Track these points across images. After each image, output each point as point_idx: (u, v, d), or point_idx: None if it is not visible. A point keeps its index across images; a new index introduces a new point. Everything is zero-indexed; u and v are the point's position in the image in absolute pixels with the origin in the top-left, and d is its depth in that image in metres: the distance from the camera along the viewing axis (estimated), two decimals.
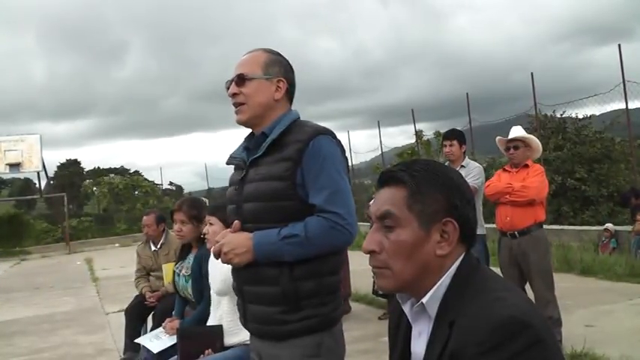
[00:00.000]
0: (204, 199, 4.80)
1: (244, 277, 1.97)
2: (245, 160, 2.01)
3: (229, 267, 2.02)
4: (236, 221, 1.97)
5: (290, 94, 2.06)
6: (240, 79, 1.98)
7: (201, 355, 2.94)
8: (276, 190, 1.89)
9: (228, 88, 2.01)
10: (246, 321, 2.02)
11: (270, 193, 1.90)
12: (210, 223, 2.86)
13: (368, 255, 1.23)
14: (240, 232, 1.95)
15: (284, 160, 1.90)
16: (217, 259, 1.99)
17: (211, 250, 2.04)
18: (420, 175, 1.18)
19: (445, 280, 1.17)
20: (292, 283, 1.86)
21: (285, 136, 1.94)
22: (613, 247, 9.26)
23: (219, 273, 2.92)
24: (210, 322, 3.12)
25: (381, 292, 5.85)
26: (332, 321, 1.93)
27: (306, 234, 1.83)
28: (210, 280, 3.11)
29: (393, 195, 1.19)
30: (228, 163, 2.13)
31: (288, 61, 2.08)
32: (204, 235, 2.96)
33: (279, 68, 2.02)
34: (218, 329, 2.99)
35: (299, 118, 2.04)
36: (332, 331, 1.93)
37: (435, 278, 1.17)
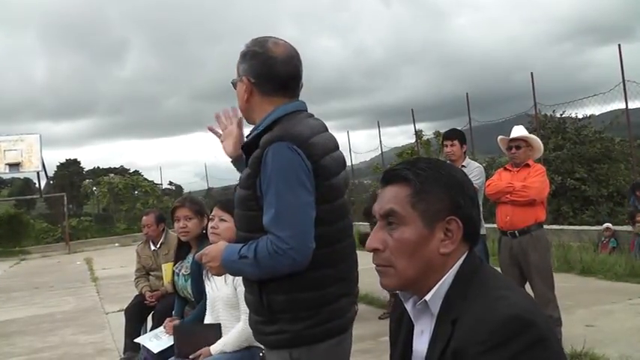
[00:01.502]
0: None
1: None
2: None
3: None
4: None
5: (274, 88, 1.82)
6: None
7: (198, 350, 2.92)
8: (242, 198, 1.82)
9: None
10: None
11: (239, 201, 1.84)
12: (223, 219, 2.72)
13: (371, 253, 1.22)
14: (221, 242, 1.93)
15: (248, 167, 1.80)
16: (199, 263, 1.98)
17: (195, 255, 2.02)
18: (424, 174, 1.18)
19: (448, 278, 1.17)
20: (264, 294, 1.78)
21: (262, 137, 1.77)
22: (613, 247, 9.25)
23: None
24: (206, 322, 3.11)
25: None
26: (307, 339, 1.77)
27: (255, 256, 1.72)
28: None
29: (397, 193, 1.19)
30: None
31: (260, 49, 1.81)
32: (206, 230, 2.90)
33: (245, 64, 1.84)
34: (216, 327, 2.98)
35: (285, 114, 1.80)
36: (311, 348, 1.78)
37: (438, 276, 1.17)
